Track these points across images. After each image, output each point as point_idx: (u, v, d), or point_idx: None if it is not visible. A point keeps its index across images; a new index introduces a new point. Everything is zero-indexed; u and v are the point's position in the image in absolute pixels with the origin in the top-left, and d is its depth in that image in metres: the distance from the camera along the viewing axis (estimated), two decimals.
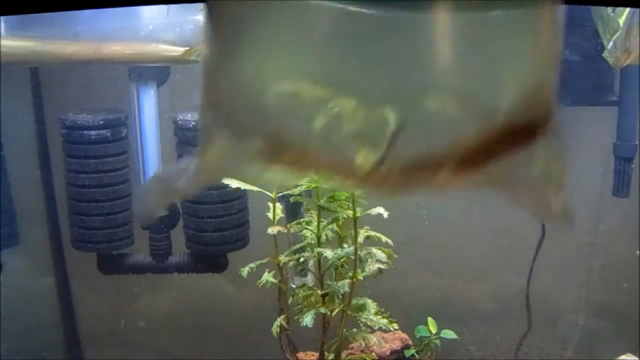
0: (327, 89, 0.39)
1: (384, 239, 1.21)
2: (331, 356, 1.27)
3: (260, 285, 1.25)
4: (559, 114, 0.44)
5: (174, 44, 1.21)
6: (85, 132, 1.39)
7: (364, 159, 0.40)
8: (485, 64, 0.40)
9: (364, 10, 0.38)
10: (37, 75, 1.51)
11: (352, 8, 0.38)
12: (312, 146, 0.41)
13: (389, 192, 0.41)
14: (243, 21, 0.41)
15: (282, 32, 0.40)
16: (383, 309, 1.24)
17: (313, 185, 1.16)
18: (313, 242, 1.22)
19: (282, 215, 1.25)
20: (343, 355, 1.31)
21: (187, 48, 1.21)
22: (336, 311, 1.23)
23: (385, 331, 1.26)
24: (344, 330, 1.25)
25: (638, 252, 1.62)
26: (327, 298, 1.22)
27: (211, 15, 0.43)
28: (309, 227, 1.22)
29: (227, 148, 0.43)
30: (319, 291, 1.23)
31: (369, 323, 1.21)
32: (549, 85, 0.43)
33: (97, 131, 1.39)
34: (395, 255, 1.22)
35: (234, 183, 1.13)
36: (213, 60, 0.43)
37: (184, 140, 1.39)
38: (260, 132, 0.41)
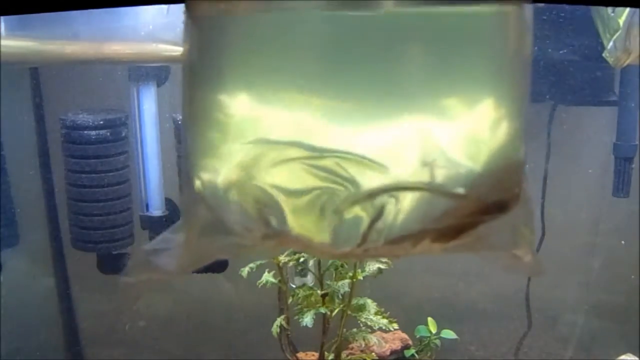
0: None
1: None
2: (331, 356, 1.27)
3: (260, 285, 1.25)
4: (527, 181, 0.45)
5: (174, 44, 1.21)
6: (85, 132, 1.39)
7: (340, 245, 0.40)
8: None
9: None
10: (37, 75, 1.51)
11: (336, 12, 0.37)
12: (291, 235, 0.41)
13: (372, 258, 0.43)
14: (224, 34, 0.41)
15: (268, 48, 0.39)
16: (383, 309, 1.24)
17: None
18: None
19: None
20: (343, 355, 1.31)
21: None
22: (336, 311, 1.23)
23: (385, 331, 1.26)
24: (344, 330, 1.25)
25: (623, 242, 1.62)
26: (327, 298, 1.22)
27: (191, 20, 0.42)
28: None
29: (215, 236, 0.43)
30: (319, 291, 1.22)
31: (369, 323, 1.21)
32: (520, 157, 0.43)
33: (97, 131, 1.39)
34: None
35: None
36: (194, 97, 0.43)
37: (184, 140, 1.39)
38: (252, 222, 0.41)
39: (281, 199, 0.40)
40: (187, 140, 0.44)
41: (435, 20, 0.37)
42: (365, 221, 0.39)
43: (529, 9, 0.40)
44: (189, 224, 0.45)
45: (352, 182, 0.39)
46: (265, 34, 0.39)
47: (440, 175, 0.39)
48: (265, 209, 0.40)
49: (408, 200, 0.39)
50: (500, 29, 0.40)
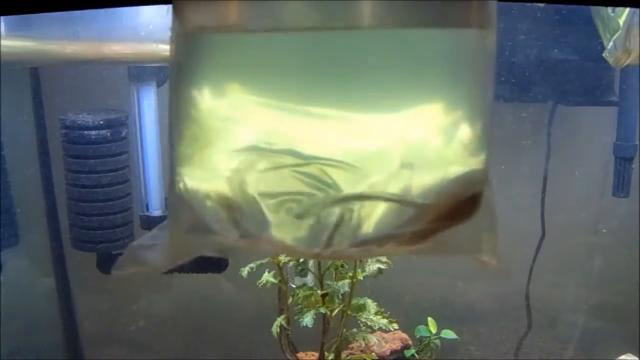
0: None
1: None
2: (331, 356, 1.27)
3: (260, 285, 1.25)
4: (490, 188, 0.48)
5: None
6: (85, 132, 1.39)
7: (308, 247, 0.44)
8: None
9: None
10: (37, 75, 1.51)
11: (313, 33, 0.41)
12: (266, 236, 0.44)
13: (343, 259, 0.47)
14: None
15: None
16: (383, 309, 1.24)
17: None
18: None
19: None
20: (343, 355, 1.31)
21: None
22: (336, 311, 1.23)
23: (385, 331, 1.26)
24: (344, 330, 1.25)
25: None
26: (327, 298, 1.22)
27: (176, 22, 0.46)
28: None
29: (193, 233, 0.47)
30: (319, 291, 1.23)
31: (369, 323, 1.21)
32: (479, 166, 0.46)
33: (97, 131, 1.39)
34: (395, 255, 1.22)
35: None
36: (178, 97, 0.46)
37: None
38: (222, 222, 0.44)
39: (256, 203, 0.43)
40: (170, 143, 0.47)
41: (403, 38, 0.42)
42: (329, 227, 0.42)
43: (493, 33, 0.45)
44: (173, 223, 0.48)
45: (334, 187, 0.42)
46: (252, 49, 0.43)
47: (399, 185, 0.42)
48: (237, 213, 0.43)
49: (369, 208, 0.43)
50: (464, 48, 0.44)
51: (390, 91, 0.42)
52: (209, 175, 0.44)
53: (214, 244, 0.46)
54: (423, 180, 0.42)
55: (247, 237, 0.44)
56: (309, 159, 0.42)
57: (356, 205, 0.42)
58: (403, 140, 0.42)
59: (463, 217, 0.45)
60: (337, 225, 0.42)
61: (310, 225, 0.43)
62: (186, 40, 0.45)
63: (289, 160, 0.42)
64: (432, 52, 0.42)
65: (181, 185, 0.46)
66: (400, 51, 0.42)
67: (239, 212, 0.43)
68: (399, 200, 0.42)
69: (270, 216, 0.43)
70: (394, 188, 0.42)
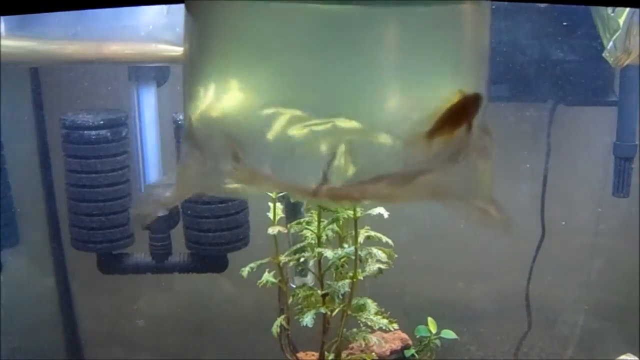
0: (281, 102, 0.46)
1: (384, 239, 1.21)
2: (331, 356, 1.27)
3: (260, 285, 1.25)
4: (491, 132, 0.51)
5: (174, 44, 1.21)
6: (85, 132, 1.39)
7: (308, 181, 0.47)
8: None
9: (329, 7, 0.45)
10: (37, 75, 1.51)
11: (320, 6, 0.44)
12: (267, 171, 0.47)
13: (340, 202, 0.49)
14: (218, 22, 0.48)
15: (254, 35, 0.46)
16: (383, 309, 1.24)
17: None
18: (313, 242, 1.22)
19: (282, 215, 1.25)
20: (343, 355, 1.31)
21: None
22: (336, 311, 1.23)
23: (385, 331, 1.26)
24: (344, 330, 1.25)
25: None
26: (327, 298, 1.22)
27: (191, 15, 0.49)
28: (309, 227, 1.22)
29: (200, 169, 0.51)
30: (319, 291, 1.23)
31: (369, 323, 1.21)
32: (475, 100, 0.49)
33: (97, 131, 1.39)
34: (396, 255, 1.22)
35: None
36: (192, 65, 0.50)
37: None
38: (225, 156, 0.48)
39: (258, 138, 0.46)
40: (185, 88, 0.51)
41: (406, 12, 0.46)
42: (324, 162, 0.46)
43: (487, 5, 0.49)
44: (182, 160, 0.53)
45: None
46: (263, 22, 0.46)
47: (393, 127, 0.46)
48: (239, 147, 0.47)
49: (362, 148, 0.46)
50: (460, 20, 0.48)
51: (395, 57, 0.46)
52: (217, 113, 0.47)
53: (217, 180, 0.50)
54: (422, 127, 0.46)
55: (248, 171, 0.47)
56: (324, 118, 0.45)
57: (348, 140, 0.45)
58: (409, 99, 0.45)
59: (449, 162, 0.48)
60: (332, 160, 0.45)
61: (306, 160, 0.46)
62: (199, 6, 0.48)
63: (301, 114, 0.45)
64: (433, 23, 0.46)
65: (192, 122, 0.49)
66: (404, 23, 0.45)
67: (241, 146, 0.47)
68: (391, 136, 0.45)
69: (270, 150, 0.46)
70: (389, 129, 0.45)
